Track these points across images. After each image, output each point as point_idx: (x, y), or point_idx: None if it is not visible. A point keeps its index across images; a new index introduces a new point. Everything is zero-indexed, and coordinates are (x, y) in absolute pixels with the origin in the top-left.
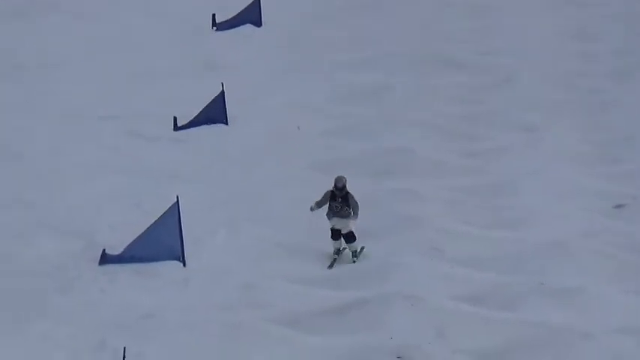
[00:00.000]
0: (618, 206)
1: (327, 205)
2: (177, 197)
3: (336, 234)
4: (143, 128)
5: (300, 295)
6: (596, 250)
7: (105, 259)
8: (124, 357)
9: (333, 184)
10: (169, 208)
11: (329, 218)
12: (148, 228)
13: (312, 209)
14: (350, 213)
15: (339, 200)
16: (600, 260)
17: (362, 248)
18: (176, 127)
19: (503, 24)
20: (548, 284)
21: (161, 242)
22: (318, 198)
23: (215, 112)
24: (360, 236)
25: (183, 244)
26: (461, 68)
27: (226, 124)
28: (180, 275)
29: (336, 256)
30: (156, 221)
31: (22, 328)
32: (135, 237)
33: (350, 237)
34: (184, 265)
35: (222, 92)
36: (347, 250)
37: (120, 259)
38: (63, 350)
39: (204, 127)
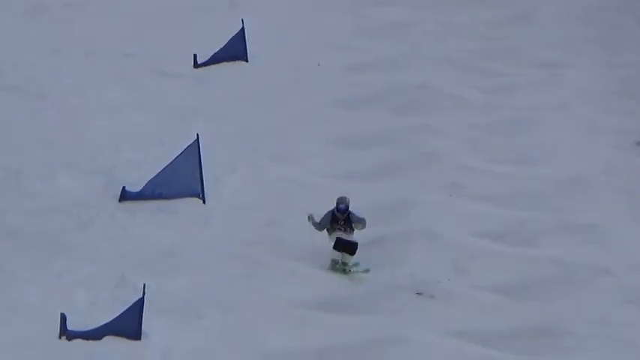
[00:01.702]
0: (639, 143)
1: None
2: (197, 135)
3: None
4: (165, 66)
5: (322, 232)
6: (616, 186)
7: (125, 195)
8: (143, 293)
9: (335, 205)
10: (189, 145)
11: (329, 234)
12: (167, 165)
13: (309, 219)
14: (352, 233)
15: (342, 222)
16: (621, 197)
17: (366, 270)
18: (196, 65)
19: None
20: (569, 221)
21: (181, 179)
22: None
23: (235, 49)
24: (380, 173)
25: (203, 181)
26: (485, 4)
27: (247, 61)
28: (201, 212)
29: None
30: (176, 158)
31: (42, 266)
32: (155, 174)
33: (351, 248)
34: (204, 202)
35: (243, 29)
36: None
37: (140, 195)
38: (83, 287)
39: (224, 64)
